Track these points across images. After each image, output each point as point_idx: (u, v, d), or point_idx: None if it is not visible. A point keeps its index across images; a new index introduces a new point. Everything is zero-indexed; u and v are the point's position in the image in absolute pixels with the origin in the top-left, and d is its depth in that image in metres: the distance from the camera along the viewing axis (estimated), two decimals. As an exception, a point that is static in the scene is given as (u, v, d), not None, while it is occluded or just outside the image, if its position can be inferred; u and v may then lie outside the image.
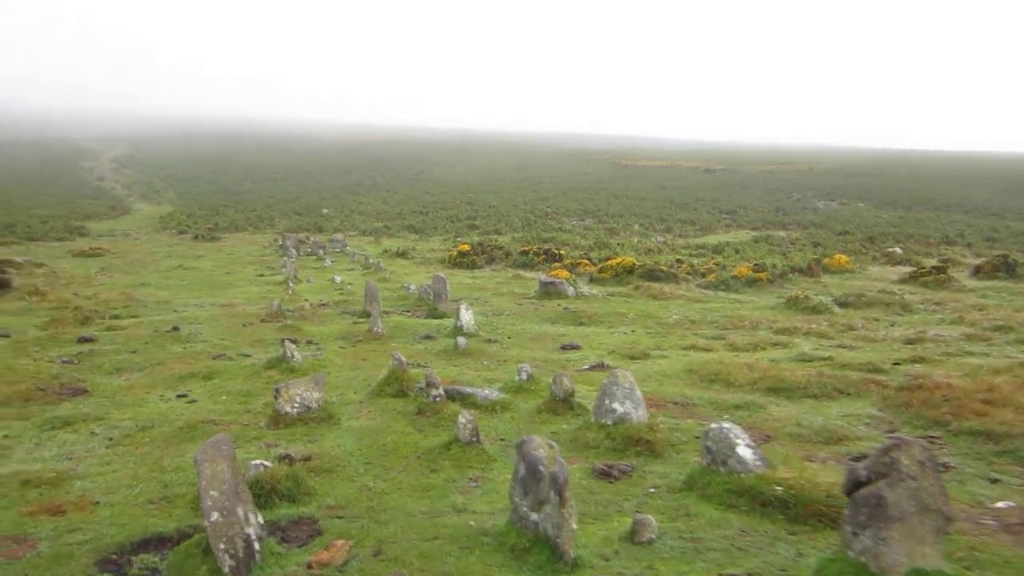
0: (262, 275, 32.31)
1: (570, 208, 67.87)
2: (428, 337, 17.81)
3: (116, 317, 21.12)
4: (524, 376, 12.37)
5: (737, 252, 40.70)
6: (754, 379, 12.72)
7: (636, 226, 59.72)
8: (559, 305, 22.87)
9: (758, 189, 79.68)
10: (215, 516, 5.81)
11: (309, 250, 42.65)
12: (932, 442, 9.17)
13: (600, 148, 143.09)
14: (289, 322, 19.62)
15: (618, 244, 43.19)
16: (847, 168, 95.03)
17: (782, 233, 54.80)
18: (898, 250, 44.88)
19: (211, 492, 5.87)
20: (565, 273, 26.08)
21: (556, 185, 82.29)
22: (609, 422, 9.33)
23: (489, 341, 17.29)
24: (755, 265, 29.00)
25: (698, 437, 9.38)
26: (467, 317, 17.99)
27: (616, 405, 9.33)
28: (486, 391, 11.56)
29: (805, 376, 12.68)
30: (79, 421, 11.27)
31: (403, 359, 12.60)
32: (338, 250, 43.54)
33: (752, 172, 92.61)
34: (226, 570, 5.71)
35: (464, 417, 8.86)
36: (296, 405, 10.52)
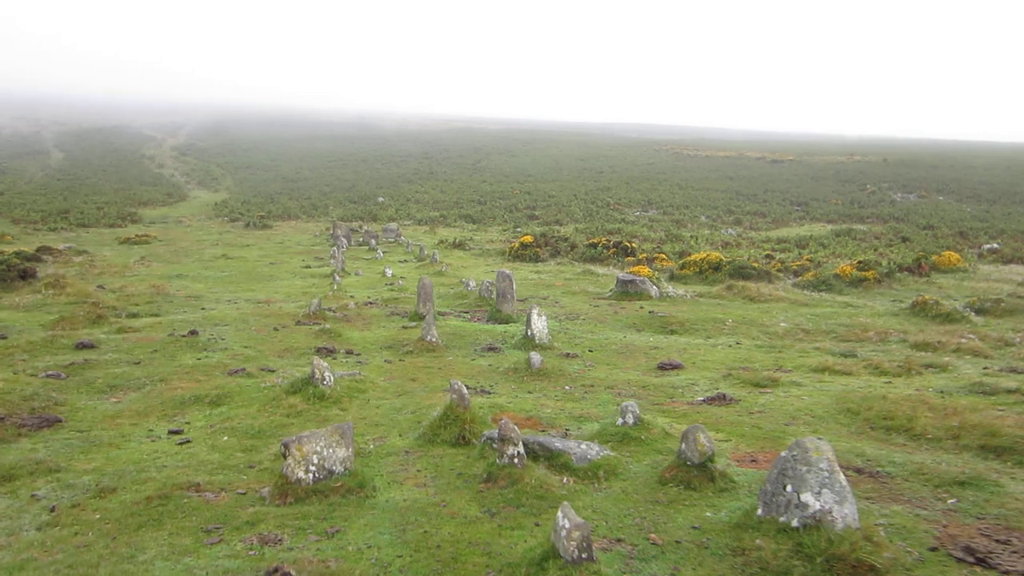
0: (308, 266, 29.19)
1: (633, 199, 63.86)
2: (492, 349, 14.31)
3: (133, 315, 18.07)
4: (630, 419, 8.78)
5: (824, 247, 36.47)
6: (950, 428, 8.93)
7: (703, 218, 55.59)
8: (642, 308, 19.19)
9: (830, 181, 74.53)
10: None
11: (361, 240, 39.54)
12: None
13: (662, 138, 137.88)
14: (328, 325, 16.31)
15: (691, 237, 39.21)
16: (922, 160, 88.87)
17: (862, 227, 50.19)
18: (995, 246, 40.28)
19: None
20: (646, 270, 22.37)
21: (617, 175, 78.15)
22: (795, 523, 5.71)
23: (568, 356, 13.72)
24: (859, 263, 24.92)
25: (934, 549, 5.73)
26: (540, 325, 14.45)
27: (808, 497, 5.70)
28: (582, 446, 7.98)
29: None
30: (23, 475, 8.01)
31: (464, 391, 9.11)
32: (391, 240, 40.37)
33: (822, 163, 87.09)
34: None
35: (567, 520, 5.31)
36: (312, 468, 7.09)
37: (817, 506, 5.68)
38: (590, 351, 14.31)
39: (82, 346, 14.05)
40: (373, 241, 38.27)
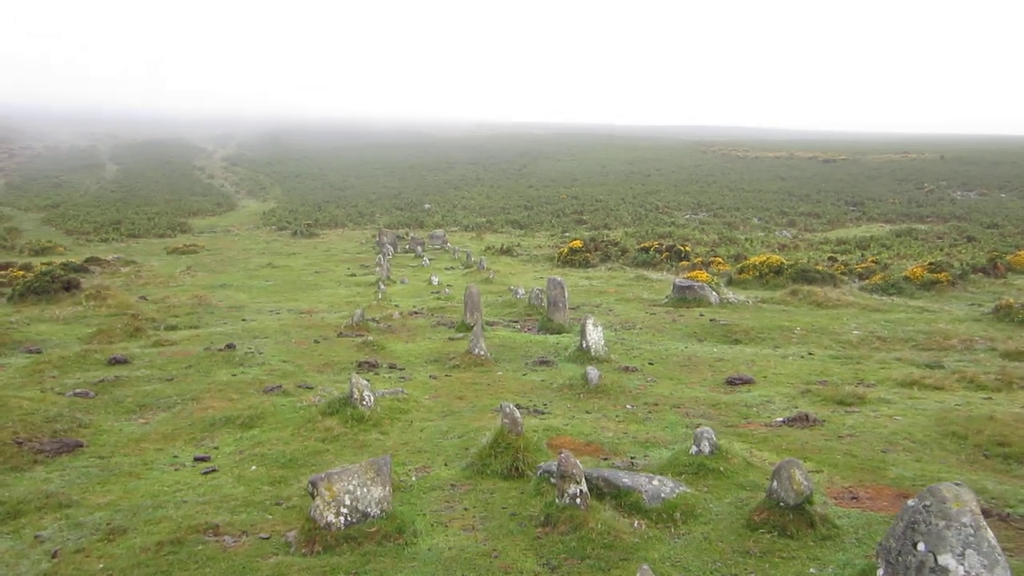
0: (353, 275, 28.46)
1: (682, 202, 62.29)
2: (544, 363, 13.25)
3: (172, 328, 17.40)
4: (706, 447, 7.65)
5: (886, 248, 34.72)
6: (1082, 458, 7.64)
7: (755, 220, 53.87)
8: (701, 315, 17.96)
9: (885, 179, 72.04)
10: None
11: (407, 247, 38.80)
12: None
13: (709, 140, 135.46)
14: (371, 337, 15.41)
15: (745, 240, 37.71)
16: (982, 156, 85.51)
17: (923, 227, 48.07)
18: (1069, 245, 38.11)
19: None
20: (705, 275, 21.11)
21: (665, 178, 76.56)
22: (931, 593, 4.57)
23: (626, 370, 12.60)
24: (930, 264, 23.32)
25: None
26: (595, 336, 13.36)
27: (948, 560, 4.55)
28: (654, 481, 6.89)
29: None
30: (31, 511, 7.20)
31: (516, 415, 8.08)
32: (438, 246, 39.57)
33: (876, 162, 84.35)
34: None
35: (650, 592, 4.25)
36: (344, 511, 6.12)
37: (961, 572, 4.52)
38: (650, 364, 13.17)
39: (115, 361, 13.34)
40: (419, 248, 37.51)
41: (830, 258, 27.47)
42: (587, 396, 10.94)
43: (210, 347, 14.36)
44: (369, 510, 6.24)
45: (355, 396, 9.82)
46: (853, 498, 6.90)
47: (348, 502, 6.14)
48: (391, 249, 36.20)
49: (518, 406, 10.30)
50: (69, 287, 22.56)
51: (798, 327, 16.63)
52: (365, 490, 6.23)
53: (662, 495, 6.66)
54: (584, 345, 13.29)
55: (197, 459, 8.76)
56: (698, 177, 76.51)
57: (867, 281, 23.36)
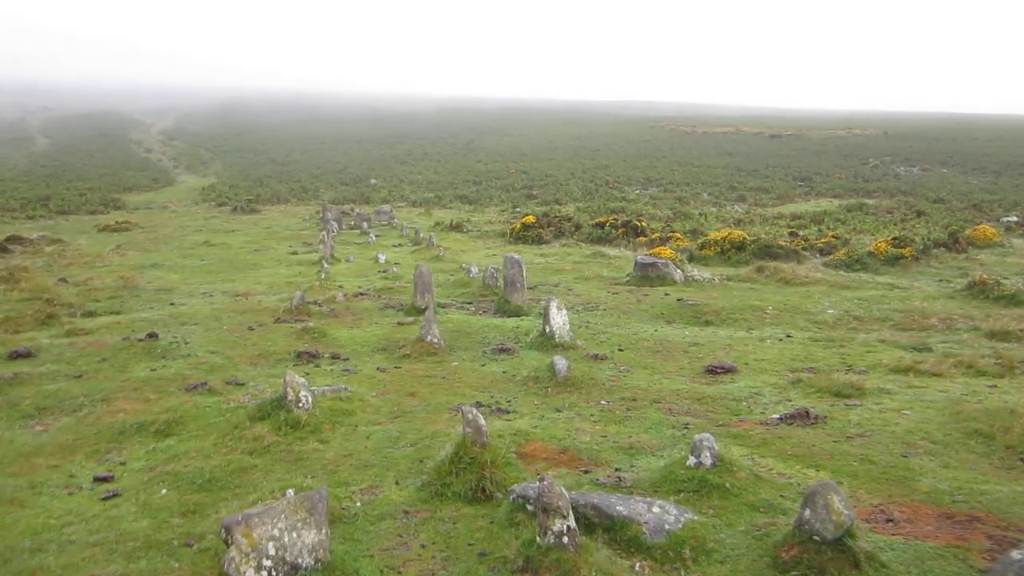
0: (295, 253, 26.69)
1: (632, 176, 61.35)
2: (504, 350, 11.90)
3: (90, 314, 15.60)
4: (707, 459, 6.39)
5: (841, 222, 34.10)
6: None
7: (705, 195, 53.18)
8: (667, 294, 16.79)
9: (831, 155, 72.08)
10: None
11: (352, 223, 36.99)
12: None
13: (656, 115, 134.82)
14: (312, 323, 13.87)
15: (700, 215, 36.81)
16: (923, 132, 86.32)
17: (871, 201, 47.87)
18: (1014, 218, 38.07)
19: None
20: (668, 252, 19.92)
21: (614, 153, 75.51)
22: None
23: (596, 358, 11.32)
24: (893, 239, 22.55)
25: None
26: (560, 321, 12.05)
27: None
28: (654, 508, 5.58)
29: None
30: None
31: (480, 422, 6.72)
32: (384, 222, 37.84)
33: (821, 137, 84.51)
34: None
35: None
36: (267, 564, 4.69)
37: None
38: (620, 350, 11.91)
39: (16, 356, 11.61)
40: (365, 224, 35.74)
41: (790, 233, 26.63)
42: (556, 390, 9.62)
43: (129, 336, 12.67)
44: (300, 560, 4.83)
45: (290, 397, 8.35)
46: (888, 520, 5.72)
47: (273, 552, 4.73)
48: (336, 226, 34.39)
49: (478, 404, 8.99)
50: (-19, 269, 20.45)
51: (770, 306, 15.56)
52: (295, 535, 4.82)
53: (666, 526, 5.38)
54: (548, 330, 11.98)
55: (97, 479, 7.23)
56: (647, 152, 75.68)
57: (830, 257, 22.50)
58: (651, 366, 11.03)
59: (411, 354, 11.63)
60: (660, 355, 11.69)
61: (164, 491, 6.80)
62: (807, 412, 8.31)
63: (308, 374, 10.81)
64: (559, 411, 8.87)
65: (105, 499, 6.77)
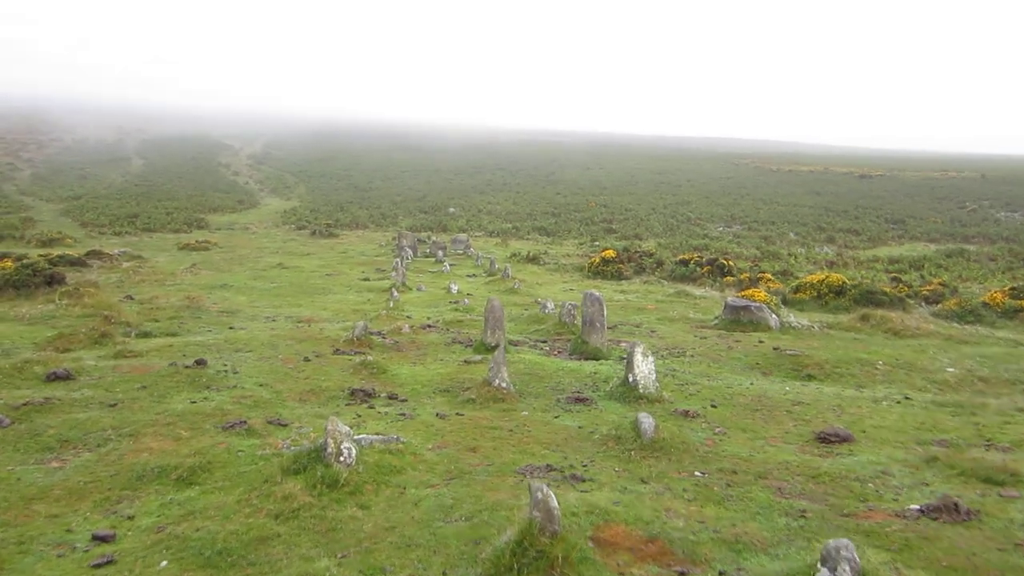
0: (367, 279, 25.84)
1: (714, 213, 59.32)
2: (580, 400, 10.46)
3: (145, 334, 14.80)
4: (846, 574, 4.85)
5: (944, 269, 31.61)
6: None
7: (792, 235, 50.84)
8: (761, 342, 15.10)
9: (924, 197, 68.58)
10: None
11: (428, 251, 36.15)
12: None
13: (739, 152, 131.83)
14: (371, 356, 12.70)
15: (789, 255, 34.73)
16: (1023, 176, 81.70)
17: (972, 248, 44.81)
18: None
19: None
20: (762, 294, 18.21)
21: (696, 189, 73.47)
22: None
23: (686, 415, 9.78)
24: (1011, 290, 20.30)
25: None
26: (645, 369, 10.57)
27: None
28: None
29: None
30: None
31: (552, 505, 5.33)
32: (460, 251, 36.88)
33: (914, 179, 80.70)
34: None
35: None
36: None
37: None
38: (712, 406, 10.34)
39: (54, 378, 10.73)
40: (440, 253, 34.85)
41: (892, 279, 24.48)
42: (640, 455, 8.13)
43: (177, 362, 11.70)
44: None
45: (330, 449, 7.10)
46: None
47: None
48: (410, 253, 33.57)
49: (549, 468, 7.58)
50: (52, 282, 20.11)
51: (880, 361, 13.71)
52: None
53: None
54: (631, 379, 10.50)
55: (96, 538, 6.08)
56: (730, 189, 73.43)
57: (938, 306, 20.39)
58: (750, 428, 9.43)
59: (476, 399, 10.30)
60: (760, 415, 10.06)
61: (164, 563, 5.59)
62: (955, 505, 6.63)
63: (359, 416, 9.60)
64: (645, 482, 7.38)
65: (96, 566, 5.60)
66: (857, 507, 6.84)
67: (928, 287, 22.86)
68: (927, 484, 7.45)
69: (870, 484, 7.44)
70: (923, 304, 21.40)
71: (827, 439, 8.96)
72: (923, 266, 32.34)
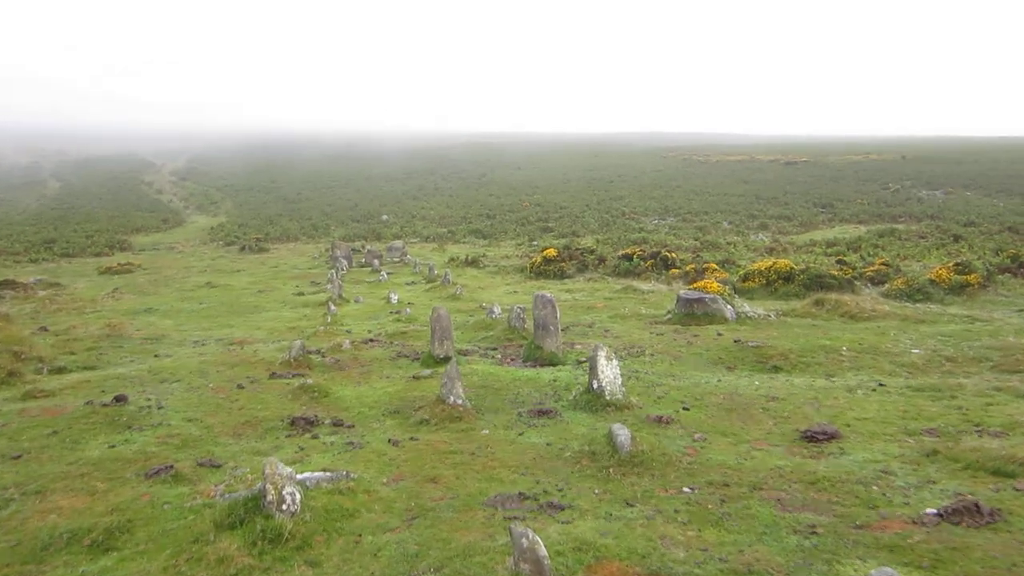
0: (301, 293, 24.57)
1: (648, 207, 59.24)
2: (543, 413, 9.59)
3: (59, 370, 13.41)
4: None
5: (881, 249, 31.76)
6: None
7: (725, 224, 51.03)
8: (720, 335, 14.48)
9: (849, 180, 69.84)
10: None
11: (363, 260, 34.90)
12: None
13: (667, 145, 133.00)
14: (311, 379, 11.61)
15: (729, 244, 34.57)
16: (942, 156, 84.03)
17: (901, 227, 45.53)
18: (1056, 242, 35.74)
19: None
20: (715, 285, 17.62)
21: (628, 184, 73.48)
22: None
23: (660, 421, 9.00)
24: (956, 265, 20.22)
25: None
26: (610, 373, 9.77)
27: None
28: None
29: None
30: None
31: (539, 551, 4.48)
32: (397, 259, 35.74)
33: (838, 163, 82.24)
34: None
35: None
36: None
37: None
38: (685, 409, 9.60)
39: (-51, 429, 9.41)
40: (376, 262, 33.64)
41: (838, 262, 24.28)
42: (620, 471, 7.31)
43: (94, 401, 10.45)
44: None
45: (270, 497, 6.09)
46: None
47: None
48: (345, 264, 32.29)
49: (522, 496, 6.72)
50: (-44, 318, 18.36)
51: (843, 347, 13.22)
52: None
53: None
54: (595, 386, 9.69)
55: (-14, 634, 4.99)
56: (661, 182, 73.70)
57: (885, 286, 20.18)
58: (730, 432, 8.71)
59: (430, 419, 9.34)
60: (736, 415, 9.36)
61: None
62: (976, 506, 5.97)
63: (302, 449, 8.58)
64: (630, 505, 6.56)
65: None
66: (869, 516, 6.13)
67: (871, 268, 22.71)
68: (934, 482, 6.82)
69: (874, 487, 6.76)
70: (869, 285, 21.18)
71: (814, 437, 8.30)
72: (860, 247, 32.49)
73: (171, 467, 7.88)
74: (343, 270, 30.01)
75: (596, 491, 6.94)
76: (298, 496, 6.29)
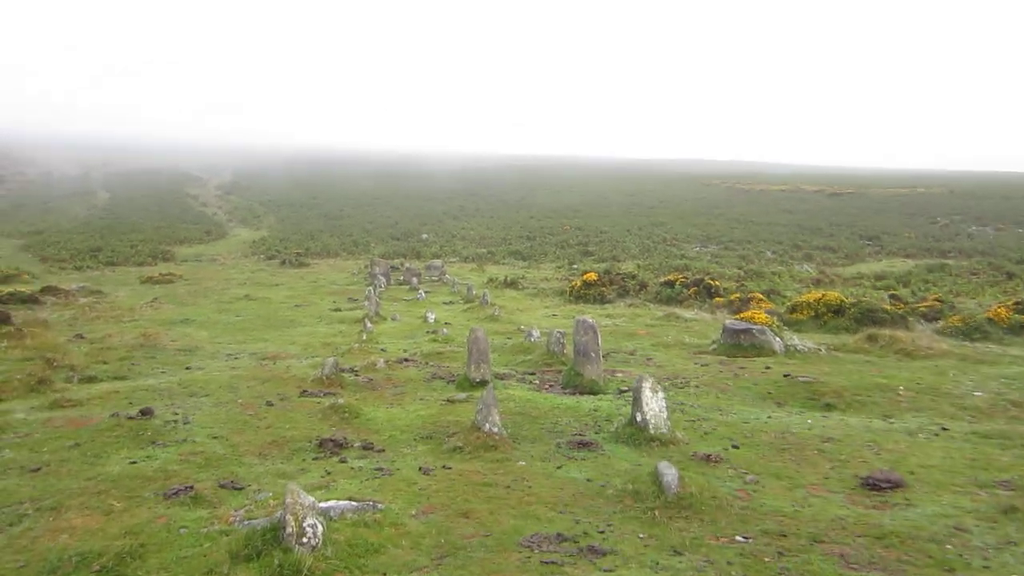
0: (338, 309, 24.31)
1: (690, 234, 58.50)
2: (584, 444, 9.05)
3: (90, 379, 13.19)
4: None
5: (932, 284, 30.72)
6: None
7: (769, 253, 50.10)
8: (768, 368, 13.81)
9: (894, 213, 68.44)
10: None
11: (401, 278, 34.67)
12: None
13: (709, 172, 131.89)
14: (342, 399, 11.21)
15: (773, 274, 33.72)
16: (990, 191, 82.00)
17: (951, 262, 44.19)
18: (1116, 283, 34.31)
19: None
20: (763, 316, 16.96)
21: (670, 210, 72.76)
22: None
23: (708, 460, 8.41)
24: (1016, 304, 19.28)
25: None
26: (655, 406, 9.20)
27: None
28: None
29: None
30: None
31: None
32: (435, 278, 35.44)
33: (883, 195, 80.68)
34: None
35: None
36: None
37: None
38: (734, 447, 8.99)
39: (-30, 438, 9.15)
40: (415, 280, 33.38)
41: (891, 296, 23.40)
42: (665, 515, 6.75)
43: (120, 412, 10.15)
44: None
45: (289, 529, 5.64)
46: None
47: None
48: (384, 281, 32.07)
49: (560, 537, 6.19)
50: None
51: (900, 386, 12.47)
52: None
53: None
54: (639, 418, 9.13)
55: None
56: (703, 209, 72.84)
57: (939, 323, 19.32)
58: (784, 474, 8.08)
59: (464, 447, 8.85)
60: (789, 456, 8.72)
61: None
62: (1071, 575, 5.32)
63: (329, 473, 8.14)
64: (679, 553, 5.99)
65: None
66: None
67: (924, 304, 21.82)
68: (1015, 543, 6.15)
69: (948, 546, 6.11)
70: (922, 321, 20.31)
71: (876, 485, 7.64)
72: (909, 282, 31.47)
73: (191, 488, 7.48)
74: (381, 287, 29.78)
75: (641, 535, 6.38)
76: (320, 528, 5.83)
